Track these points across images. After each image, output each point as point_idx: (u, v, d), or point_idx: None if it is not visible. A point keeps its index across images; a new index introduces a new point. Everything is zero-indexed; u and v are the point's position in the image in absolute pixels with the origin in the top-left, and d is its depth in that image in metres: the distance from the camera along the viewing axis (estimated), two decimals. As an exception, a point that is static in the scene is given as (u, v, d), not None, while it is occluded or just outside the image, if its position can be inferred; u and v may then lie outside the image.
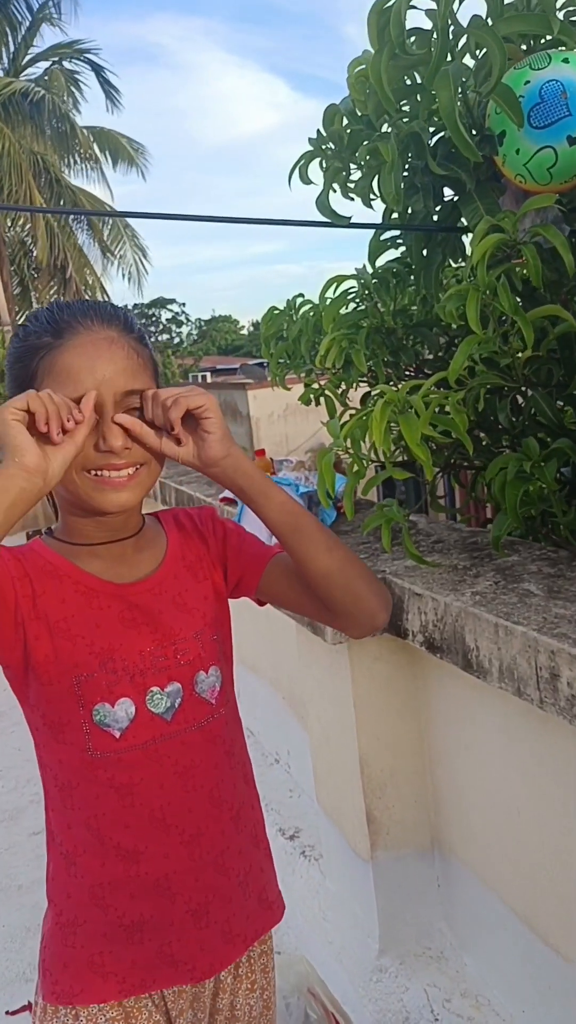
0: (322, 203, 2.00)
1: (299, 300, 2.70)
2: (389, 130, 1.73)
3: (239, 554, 1.36)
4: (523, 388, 1.77)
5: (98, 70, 19.10)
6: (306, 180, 2.01)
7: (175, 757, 1.20)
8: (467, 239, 2.08)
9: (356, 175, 1.97)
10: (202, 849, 1.24)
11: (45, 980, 1.21)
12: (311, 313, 2.61)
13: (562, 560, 1.89)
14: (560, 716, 1.48)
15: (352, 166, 1.95)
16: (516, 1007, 1.95)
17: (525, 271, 1.59)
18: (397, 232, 2.30)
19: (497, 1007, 1.99)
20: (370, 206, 1.98)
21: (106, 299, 19.22)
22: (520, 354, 1.66)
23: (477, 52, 1.64)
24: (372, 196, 2.01)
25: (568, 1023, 1.77)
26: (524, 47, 1.69)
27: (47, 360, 1.11)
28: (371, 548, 2.29)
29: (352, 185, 1.96)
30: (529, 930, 1.85)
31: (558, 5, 1.63)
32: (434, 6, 1.60)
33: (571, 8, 1.74)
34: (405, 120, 1.76)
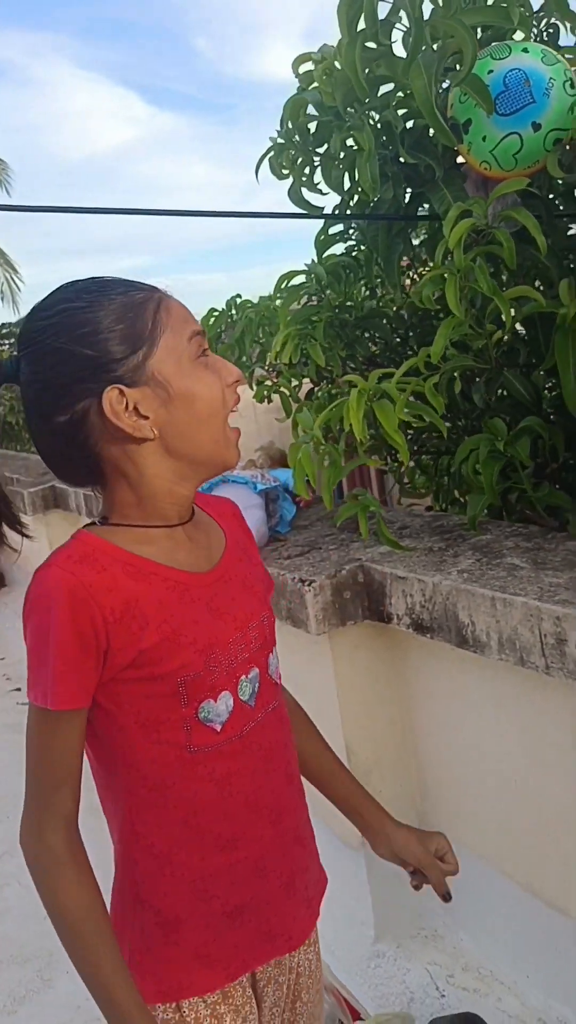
0: (295, 195, 2.02)
1: (239, 300, 2.72)
2: (357, 120, 1.76)
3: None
4: (494, 369, 1.83)
5: None
6: (278, 174, 2.02)
7: (259, 741, 1.20)
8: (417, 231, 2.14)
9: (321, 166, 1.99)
10: (284, 826, 1.25)
11: (145, 983, 1.17)
12: (253, 313, 2.63)
13: (536, 535, 1.96)
14: (569, 678, 1.53)
15: (315, 158, 1.98)
16: (519, 973, 2.00)
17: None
18: (341, 226, 2.34)
19: (500, 976, 2.04)
20: (347, 197, 2.00)
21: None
22: (494, 336, 1.72)
23: (433, 45, 1.69)
24: (323, 190, 2.05)
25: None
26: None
27: (163, 306, 1.10)
28: (338, 539, 2.31)
29: (317, 177, 1.99)
30: (532, 896, 1.90)
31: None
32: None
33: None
34: (375, 110, 1.80)
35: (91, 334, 1.05)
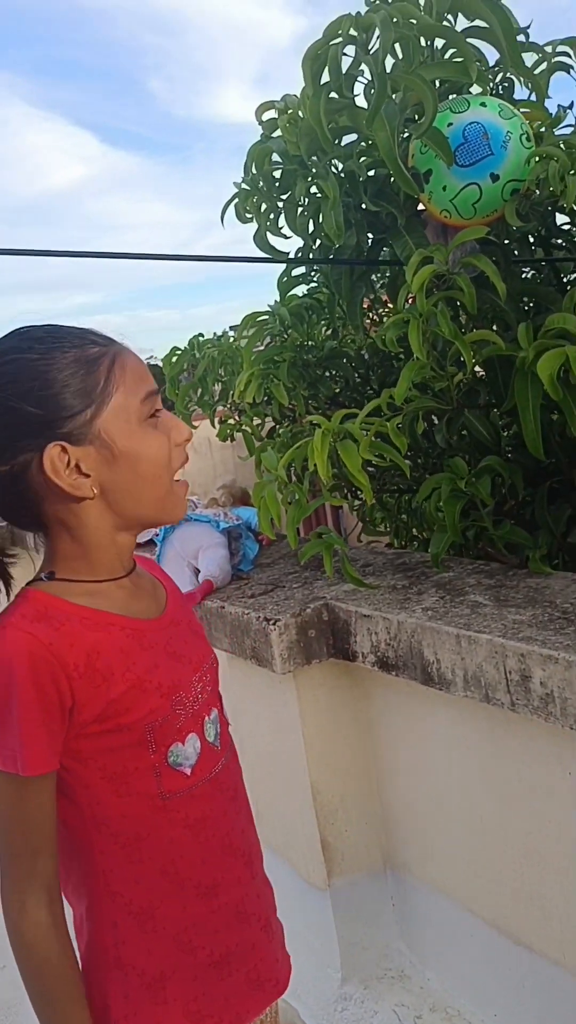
0: (261, 240, 2.06)
1: (200, 340, 2.74)
2: (322, 169, 1.81)
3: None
4: (454, 410, 1.87)
5: None
6: (243, 218, 2.06)
7: (226, 782, 1.21)
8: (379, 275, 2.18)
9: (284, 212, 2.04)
10: (255, 866, 1.25)
11: None
12: (215, 353, 2.65)
13: (497, 572, 1.99)
14: (534, 715, 1.55)
15: (279, 204, 2.02)
16: (487, 1012, 2.00)
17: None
18: (303, 269, 2.39)
19: (468, 1015, 2.03)
20: (310, 241, 2.05)
21: None
22: (455, 378, 1.76)
23: (394, 96, 1.75)
24: (286, 233, 2.09)
25: (543, 1018, 1.84)
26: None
27: (117, 362, 1.07)
28: (302, 577, 2.33)
29: (280, 222, 2.03)
30: (498, 933, 1.90)
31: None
32: (352, 53, 1.71)
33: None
34: (339, 158, 1.85)
35: (40, 388, 1.03)
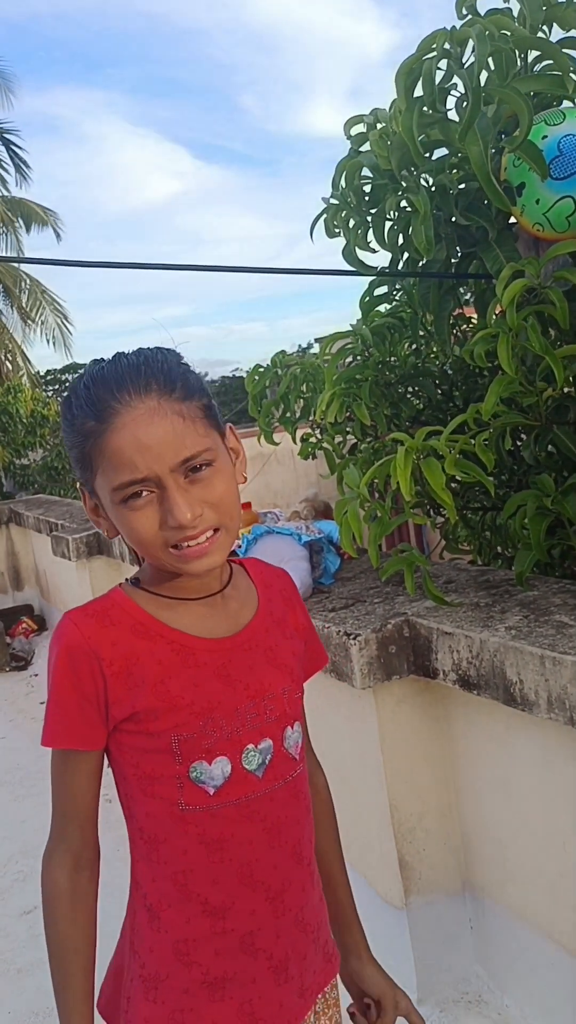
0: (349, 254, 2.07)
1: (283, 356, 2.76)
2: (412, 183, 1.81)
3: (308, 643, 1.36)
4: (542, 426, 1.84)
5: (8, 144, 19.24)
6: (331, 233, 2.08)
7: (263, 813, 1.19)
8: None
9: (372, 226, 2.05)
10: (285, 905, 1.22)
11: None
12: (298, 370, 2.67)
13: (583, 592, 1.95)
14: (621, 740, 1.52)
15: (368, 219, 2.02)
16: (567, 1044, 1.95)
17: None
18: (385, 288, 2.39)
19: (547, 1046, 1.99)
20: (398, 255, 2.05)
21: (28, 363, 19.20)
22: (544, 393, 1.73)
23: (487, 110, 1.74)
24: (374, 248, 2.09)
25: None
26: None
27: (97, 446, 1.10)
28: (383, 592, 2.32)
29: (368, 237, 2.04)
30: (580, 962, 1.86)
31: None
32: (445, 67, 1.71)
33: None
34: (430, 172, 1.85)
35: (66, 437, 1.17)
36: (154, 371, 1.11)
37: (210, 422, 1.15)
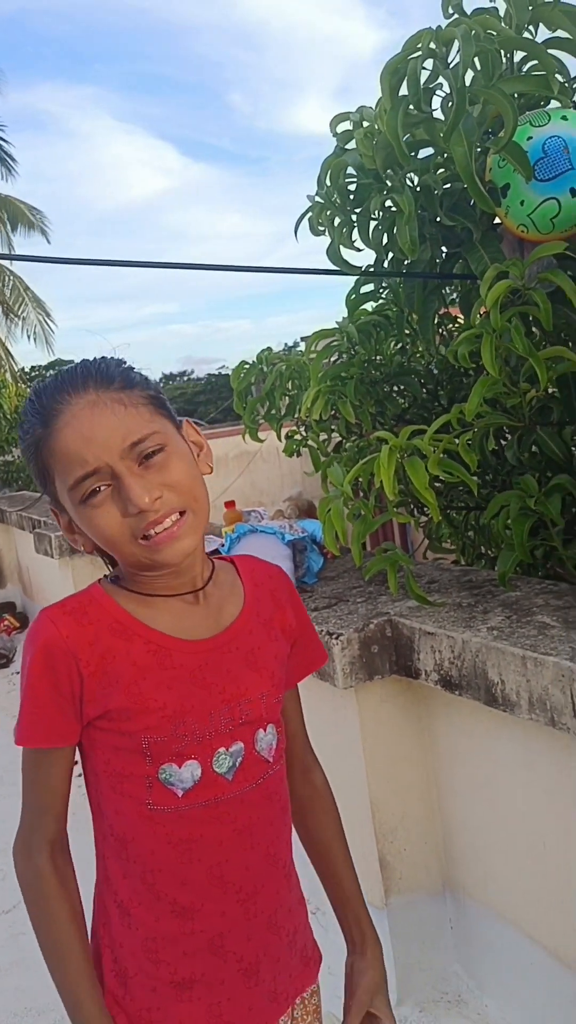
0: (333, 253, 2.07)
1: (268, 354, 2.76)
2: (397, 183, 1.80)
3: (302, 645, 1.34)
4: (526, 427, 1.85)
5: (-7, 140, 19.15)
6: (316, 232, 2.07)
7: (233, 815, 1.18)
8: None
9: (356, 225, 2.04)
10: (257, 907, 1.21)
11: None
12: (283, 367, 2.66)
13: (566, 592, 1.96)
14: (602, 741, 1.52)
15: (353, 218, 2.02)
16: (546, 1043, 1.95)
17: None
18: (372, 286, 2.38)
19: (526, 1046, 1.99)
20: (383, 255, 2.04)
21: (11, 359, 19.11)
22: (528, 394, 1.73)
23: (472, 110, 1.73)
24: (359, 247, 2.09)
25: (606, 1053, 1.79)
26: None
27: (47, 449, 1.11)
28: (366, 591, 2.32)
29: (353, 236, 2.03)
30: (559, 963, 1.86)
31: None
32: (430, 67, 1.70)
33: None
34: (415, 172, 1.85)
35: (24, 455, 1.18)
36: (91, 371, 1.13)
37: (158, 411, 1.15)
